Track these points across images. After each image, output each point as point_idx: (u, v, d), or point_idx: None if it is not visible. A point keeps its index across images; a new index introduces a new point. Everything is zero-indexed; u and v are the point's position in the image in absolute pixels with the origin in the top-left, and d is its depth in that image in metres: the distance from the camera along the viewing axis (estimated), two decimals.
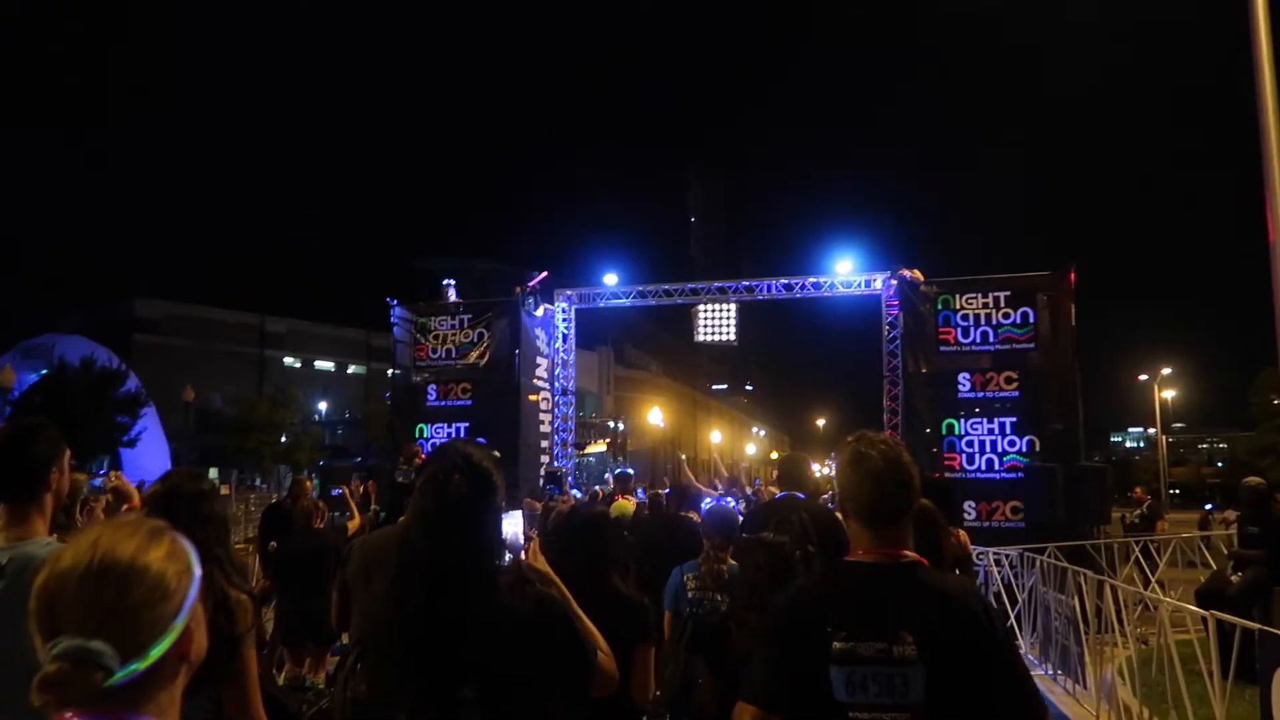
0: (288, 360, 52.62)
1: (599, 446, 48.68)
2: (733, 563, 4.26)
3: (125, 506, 3.41)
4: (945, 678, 1.88)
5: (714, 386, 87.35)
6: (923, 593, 1.98)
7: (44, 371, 28.41)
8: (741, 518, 5.01)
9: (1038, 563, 10.31)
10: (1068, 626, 8.37)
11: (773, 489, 13.30)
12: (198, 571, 1.25)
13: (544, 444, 17.25)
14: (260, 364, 51.05)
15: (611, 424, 49.95)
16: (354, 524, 8.27)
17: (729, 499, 8.32)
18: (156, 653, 1.15)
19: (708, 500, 7.77)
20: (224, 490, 25.33)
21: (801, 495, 4.75)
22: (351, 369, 54.40)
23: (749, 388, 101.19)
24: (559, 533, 3.59)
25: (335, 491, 10.77)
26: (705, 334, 17.50)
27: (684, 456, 12.21)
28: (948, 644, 1.90)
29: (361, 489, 11.43)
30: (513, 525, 3.48)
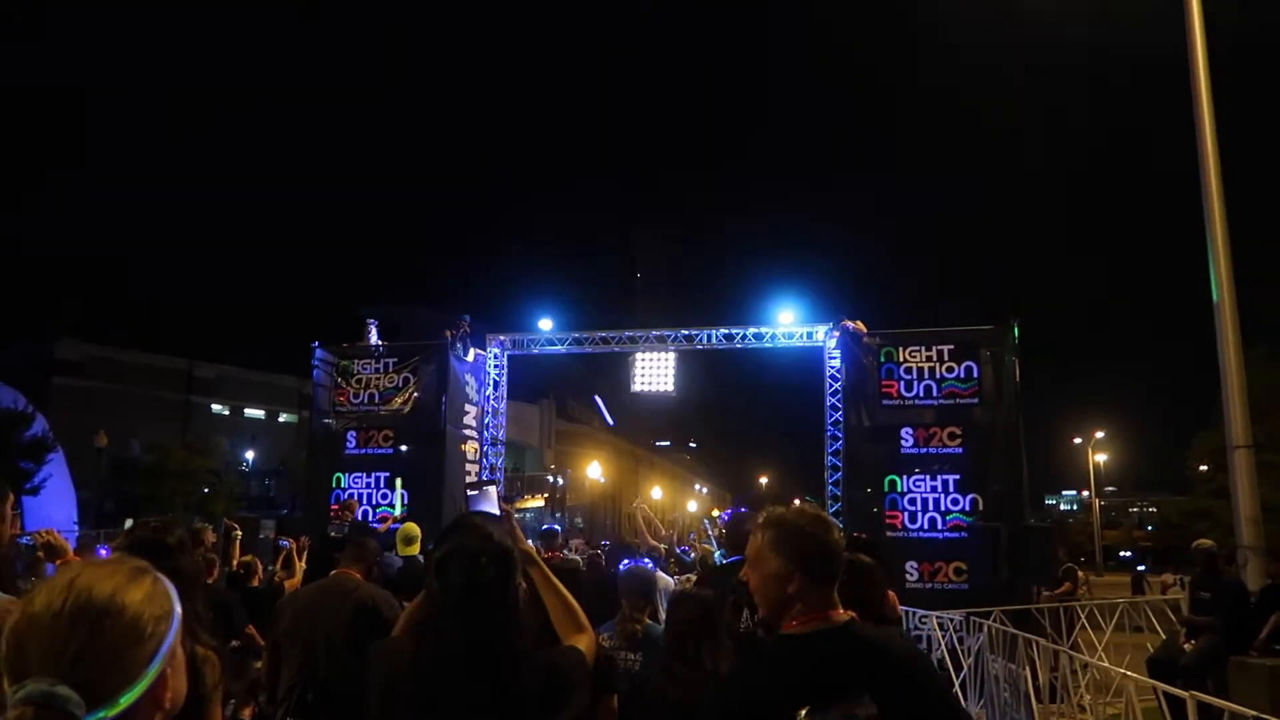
0: (215, 407, 50.71)
1: (536, 501, 47.61)
2: (649, 622, 4.36)
3: (59, 561, 3.16)
4: None
5: (658, 444, 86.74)
6: (869, 650, 2.03)
7: None
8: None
9: (984, 628, 9.80)
10: (1017, 698, 7.79)
11: (705, 546, 12.69)
12: (178, 613, 1.22)
13: (472, 494, 16.32)
14: (186, 410, 49.04)
15: (551, 478, 48.88)
16: (292, 583, 7.55)
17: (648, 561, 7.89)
18: (127, 700, 1.12)
19: (625, 561, 7.54)
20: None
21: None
22: (283, 417, 52.57)
23: (692, 445, 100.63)
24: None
25: (283, 544, 9.88)
26: (642, 384, 16.88)
27: (639, 507, 11.53)
28: (903, 698, 1.94)
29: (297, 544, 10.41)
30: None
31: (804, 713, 1.89)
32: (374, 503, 15.43)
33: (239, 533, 10.19)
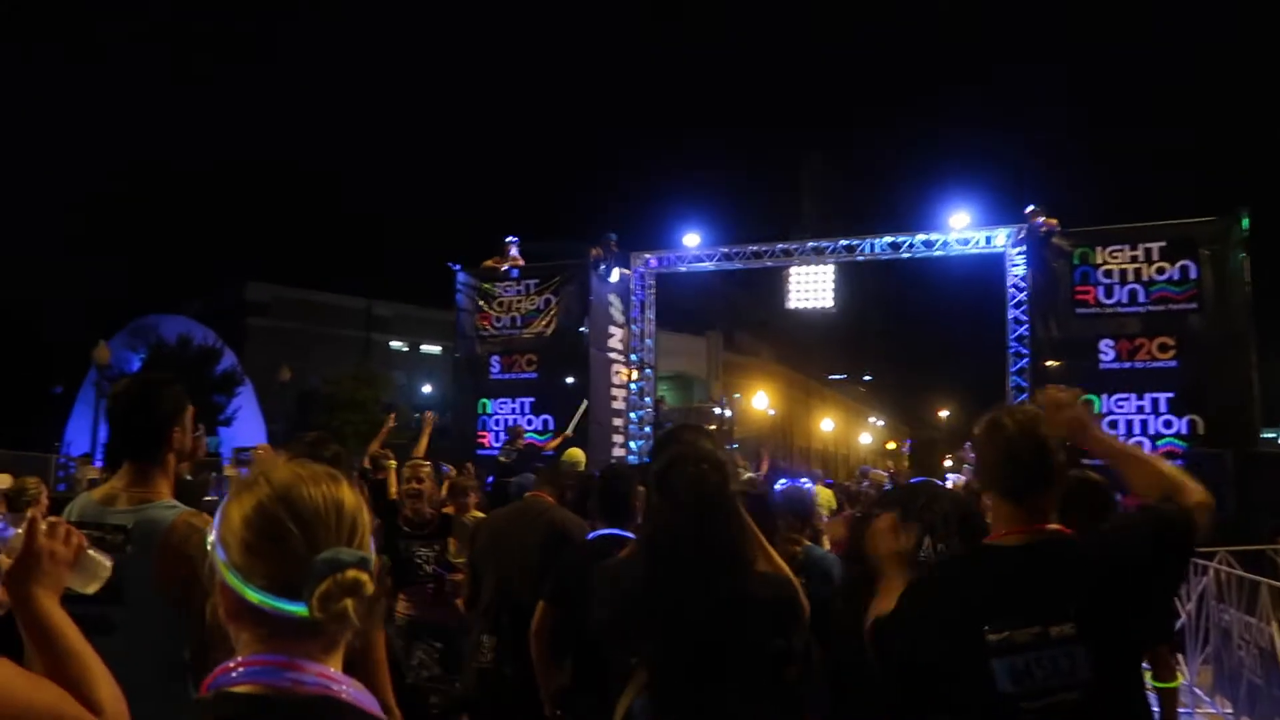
0: (394, 344, 52.88)
1: None
2: (808, 544, 4.13)
3: None
4: (1109, 649, 1.84)
5: (831, 376, 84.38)
6: (1073, 565, 1.89)
7: (142, 352, 28.67)
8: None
9: (1209, 570, 8.14)
10: (1258, 660, 6.24)
11: (878, 474, 11.47)
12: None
13: (617, 423, 15.62)
14: (367, 347, 51.33)
15: (717, 410, 48.09)
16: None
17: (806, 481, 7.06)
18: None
19: (782, 481, 6.80)
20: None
21: (939, 481, 4.62)
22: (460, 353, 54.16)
23: (867, 377, 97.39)
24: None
25: (445, 469, 9.58)
26: (799, 300, 15.50)
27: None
28: (1106, 613, 1.84)
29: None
30: None
31: (995, 626, 1.81)
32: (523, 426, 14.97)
33: (393, 461, 9.85)
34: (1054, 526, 1.94)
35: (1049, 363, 12.64)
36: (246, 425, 30.76)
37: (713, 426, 45.64)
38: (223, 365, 29.66)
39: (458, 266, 15.78)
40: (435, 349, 53.30)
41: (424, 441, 9.03)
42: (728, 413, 48.65)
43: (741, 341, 65.53)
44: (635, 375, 16.16)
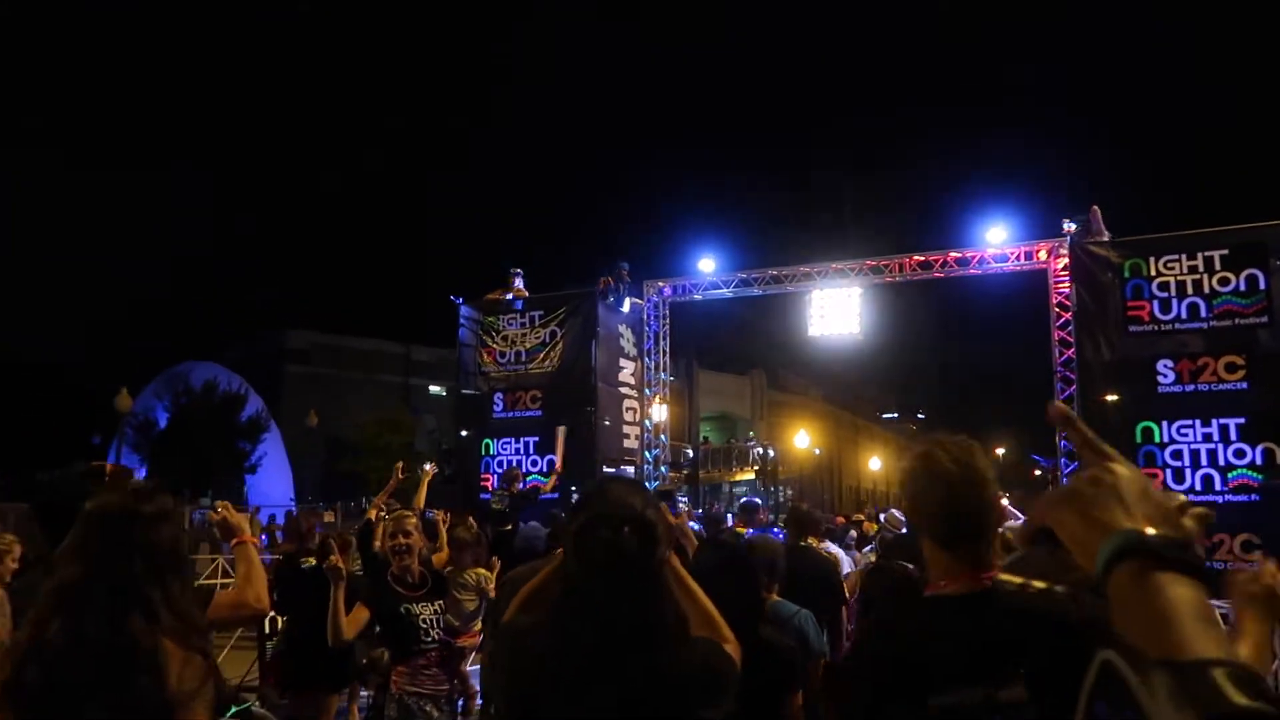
0: (434, 389, 52.58)
1: (747, 474, 45.72)
2: (775, 599, 3.87)
3: (234, 541, 2.73)
4: (1060, 711, 1.47)
5: (884, 415, 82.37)
6: (1023, 619, 1.58)
7: (166, 400, 28.54)
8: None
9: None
10: None
11: (895, 515, 10.27)
12: None
13: (628, 461, 14.54)
14: (406, 392, 51.09)
15: (760, 450, 46.65)
16: (440, 557, 6.51)
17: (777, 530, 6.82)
18: None
19: (748, 531, 6.89)
20: (328, 517, 24.03)
21: None
22: None
23: (920, 415, 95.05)
24: (700, 568, 2.92)
25: (429, 515, 8.73)
26: (822, 327, 14.33)
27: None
28: (1062, 673, 1.37)
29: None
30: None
31: (938, 689, 1.64)
32: (524, 470, 13.96)
33: (372, 511, 8.97)
34: (996, 576, 1.73)
35: (1108, 397, 11.32)
36: (272, 471, 30.32)
37: (755, 468, 44.32)
38: (247, 411, 29.23)
39: (460, 300, 14.96)
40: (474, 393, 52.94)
41: (422, 493, 8.36)
42: (770, 452, 47.32)
43: (787, 380, 64.18)
44: (634, 410, 15.06)
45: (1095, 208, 12.06)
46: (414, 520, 5.26)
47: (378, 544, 7.76)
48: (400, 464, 8.82)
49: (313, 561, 6.48)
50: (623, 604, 1.80)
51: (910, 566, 3.73)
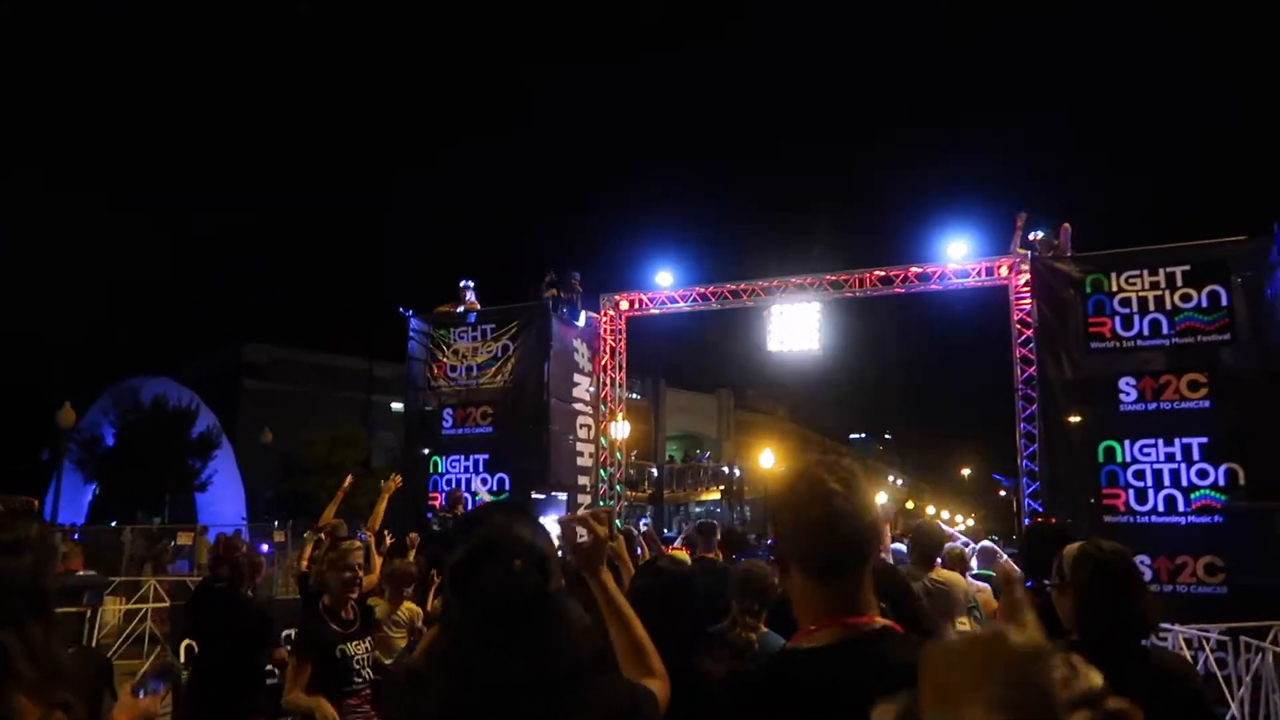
0: (396, 406, 51.79)
1: (713, 494, 45.42)
2: (765, 630, 3.64)
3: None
4: None
5: (851, 435, 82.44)
6: (902, 673, 1.13)
7: (113, 416, 27.69)
8: None
9: (1263, 651, 6.55)
10: None
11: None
12: None
13: (583, 480, 14.08)
14: (368, 409, 50.25)
15: (726, 469, 46.33)
16: (370, 579, 6.10)
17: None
18: None
19: (736, 556, 6.55)
20: (278, 537, 23.32)
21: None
22: None
23: (887, 436, 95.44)
24: (634, 596, 2.73)
25: (360, 537, 8.19)
26: (781, 343, 13.99)
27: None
28: None
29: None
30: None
31: None
32: (473, 489, 13.48)
33: (316, 535, 8.48)
34: (878, 620, 1.52)
35: (1072, 418, 11.07)
36: (224, 489, 29.47)
37: (720, 487, 43.97)
38: (200, 427, 28.40)
39: (409, 312, 14.47)
40: None
41: (380, 509, 7.86)
42: (736, 471, 47.02)
43: (754, 399, 64.09)
44: (588, 428, 14.62)
45: (1066, 225, 11.85)
46: (358, 553, 4.85)
47: (304, 564, 7.28)
48: (350, 476, 8.37)
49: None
50: (517, 650, 1.57)
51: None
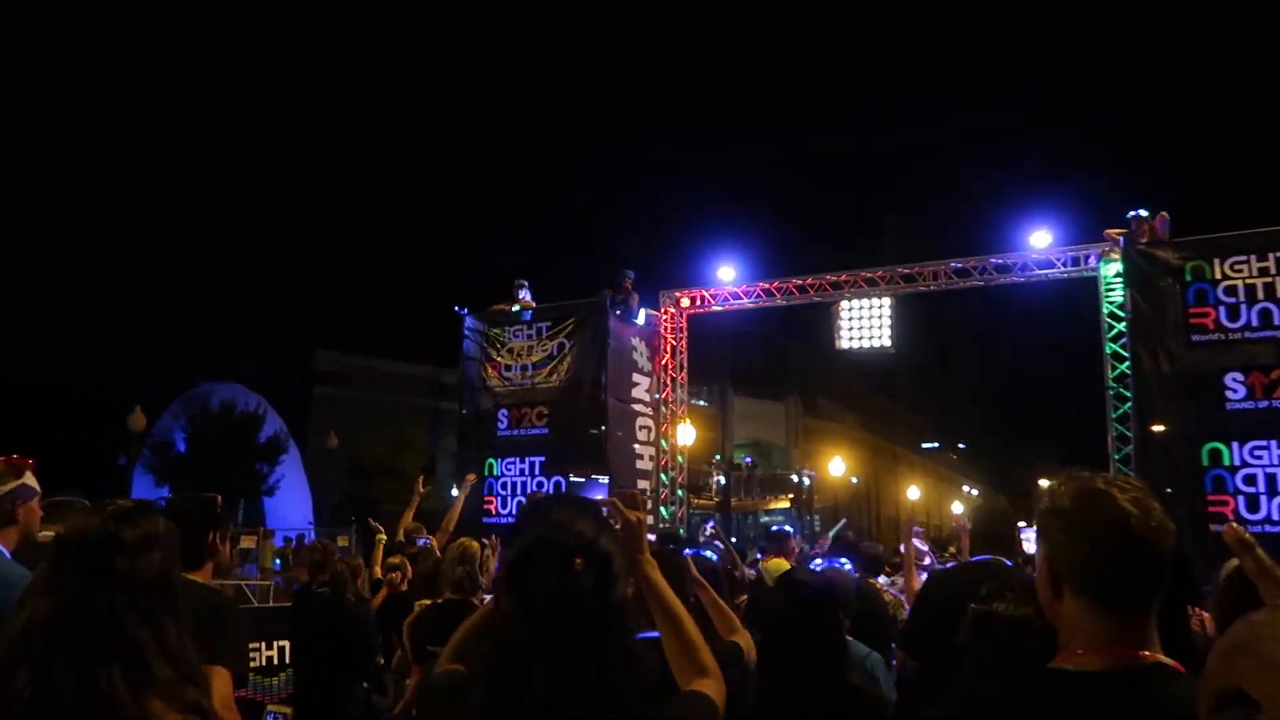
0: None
1: (782, 503, 44.61)
2: (850, 639, 3.32)
3: None
4: None
5: (923, 444, 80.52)
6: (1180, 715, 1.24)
7: (183, 421, 28.24)
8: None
9: None
10: None
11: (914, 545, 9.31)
12: None
13: (642, 485, 13.55)
14: (435, 415, 50.68)
15: (795, 477, 45.37)
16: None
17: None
18: None
19: (818, 561, 6.18)
20: (342, 541, 23.34)
21: (1008, 562, 3.68)
22: None
23: (961, 445, 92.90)
24: (769, 610, 3.08)
25: (422, 542, 8.26)
26: (850, 340, 13.29)
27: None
28: None
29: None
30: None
31: None
32: (529, 492, 13.06)
33: (382, 535, 8.37)
34: (1158, 657, 1.42)
35: (1155, 426, 10.19)
36: (292, 493, 29.77)
37: (790, 496, 43.12)
38: (268, 431, 28.74)
39: (464, 310, 14.16)
40: None
41: (457, 511, 7.69)
42: (806, 480, 46.06)
43: (823, 407, 62.95)
44: (648, 429, 14.08)
45: (1164, 214, 10.93)
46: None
47: (378, 571, 7.12)
48: (421, 478, 8.33)
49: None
50: (576, 659, 1.45)
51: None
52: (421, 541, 7.85)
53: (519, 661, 1.46)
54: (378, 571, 7.24)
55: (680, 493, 14.37)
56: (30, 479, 3.16)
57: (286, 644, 7.04)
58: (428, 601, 5.44)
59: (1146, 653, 1.41)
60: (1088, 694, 1.39)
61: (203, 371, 35.01)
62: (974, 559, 3.90)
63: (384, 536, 8.23)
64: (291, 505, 29.52)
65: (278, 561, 22.69)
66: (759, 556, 8.53)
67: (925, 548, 9.10)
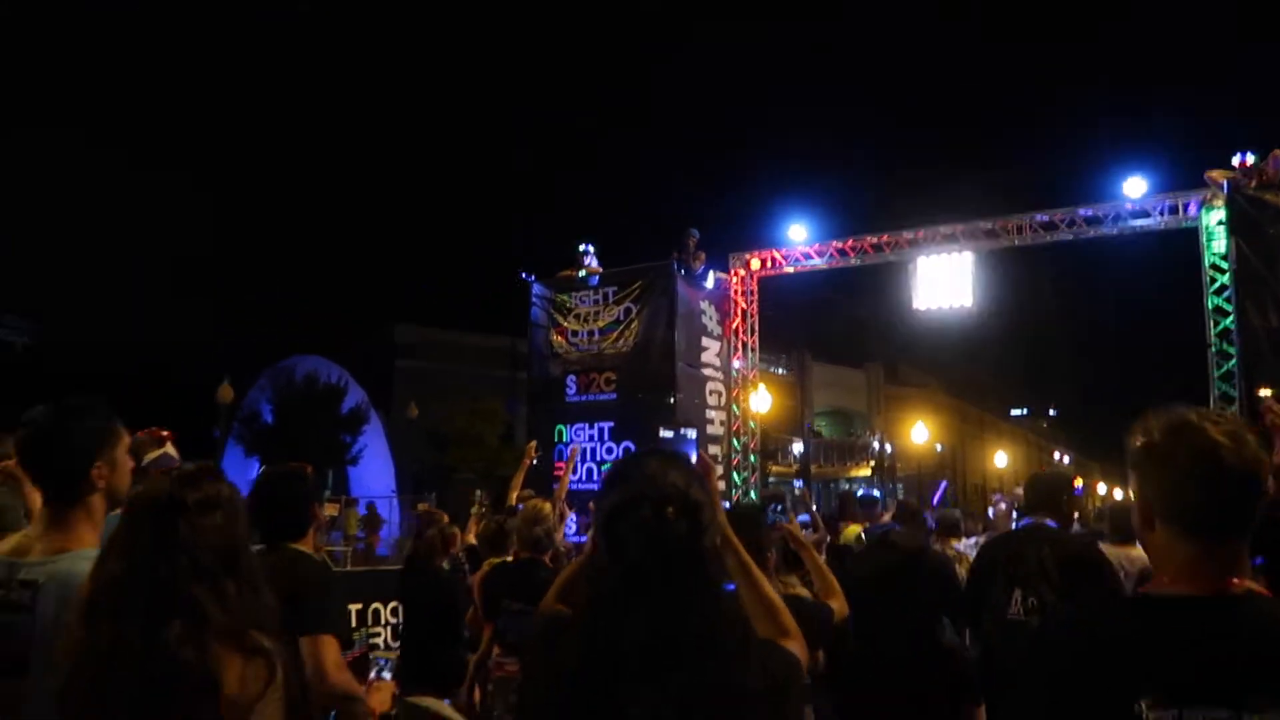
0: None
1: (863, 470, 43.93)
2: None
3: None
4: None
5: (1013, 412, 78.19)
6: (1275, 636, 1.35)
7: (269, 393, 28.99)
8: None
9: None
10: None
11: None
12: None
13: (713, 450, 13.28)
14: (512, 385, 51.24)
15: (876, 445, 44.52)
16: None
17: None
18: None
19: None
20: (422, 507, 23.74)
21: (1052, 524, 3.71)
22: None
23: (1052, 412, 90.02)
24: (878, 571, 3.08)
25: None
26: (928, 300, 12.69)
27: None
28: None
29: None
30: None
31: (1146, 705, 1.35)
32: (598, 459, 12.93)
33: (478, 506, 8.58)
34: (1249, 585, 1.42)
35: (1262, 391, 9.45)
36: (374, 462, 30.40)
37: (871, 464, 42.37)
38: (350, 403, 29.35)
39: (531, 277, 14.03)
40: None
41: (565, 483, 7.81)
42: (887, 447, 45.15)
43: (905, 373, 61.60)
44: (719, 394, 13.77)
45: (1278, 152, 10.10)
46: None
47: (472, 538, 7.19)
48: (533, 444, 8.30)
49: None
50: (669, 604, 1.49)
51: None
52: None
53: (615, 606, 1.51)
54: (471, 538, 7.35)
55: (754, 458, 14.05)
56: (171, 449, 3.58)
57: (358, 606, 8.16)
58: (495, 560, 5.44)
59: (1236, 580, 1.40)
60: (1173, 616, 1.39)
61: (288, 346, 35.99)
62: (1019, 524, 4.05)
63: (484, 506, 8.33)
64: (374, 474, 30.14)
65: (361, 530, 23.21)
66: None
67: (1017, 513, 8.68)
